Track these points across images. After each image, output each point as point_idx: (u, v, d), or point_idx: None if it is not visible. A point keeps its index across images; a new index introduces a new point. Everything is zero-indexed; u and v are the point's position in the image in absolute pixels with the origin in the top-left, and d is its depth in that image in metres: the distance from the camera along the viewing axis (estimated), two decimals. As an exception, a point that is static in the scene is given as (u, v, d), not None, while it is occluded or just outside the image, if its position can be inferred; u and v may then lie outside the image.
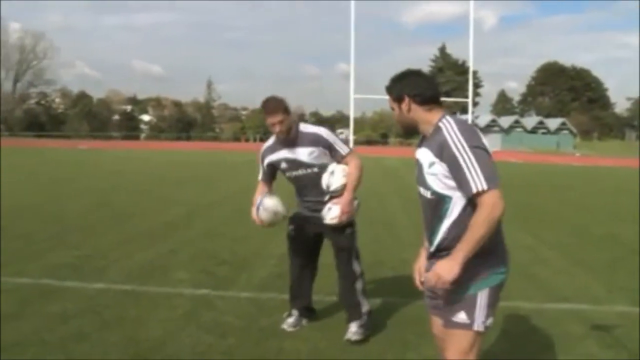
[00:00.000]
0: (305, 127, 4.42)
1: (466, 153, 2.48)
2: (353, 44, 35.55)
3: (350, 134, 37.41)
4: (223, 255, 7.17)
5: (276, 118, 4.24)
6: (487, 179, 2.45)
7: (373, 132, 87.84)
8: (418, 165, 2.70)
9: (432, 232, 2.70)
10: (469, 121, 39.70)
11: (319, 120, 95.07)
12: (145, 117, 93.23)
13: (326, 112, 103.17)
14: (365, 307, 4.46)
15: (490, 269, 2.61)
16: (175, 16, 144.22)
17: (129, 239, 8.11)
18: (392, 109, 2.79)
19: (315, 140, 4.33)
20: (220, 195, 13.86)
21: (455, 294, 2.58)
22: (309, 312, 4.77)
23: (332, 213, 4.23)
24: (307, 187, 4.41)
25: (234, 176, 20.37)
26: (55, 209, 10.88)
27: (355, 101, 35.66)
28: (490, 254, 2.58)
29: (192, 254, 7.22)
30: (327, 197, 4.29)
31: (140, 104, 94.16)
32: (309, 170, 4.35)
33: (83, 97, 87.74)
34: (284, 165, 4.43)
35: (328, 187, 4.27)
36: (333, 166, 4.32)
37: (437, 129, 2.61)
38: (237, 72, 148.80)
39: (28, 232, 8.38)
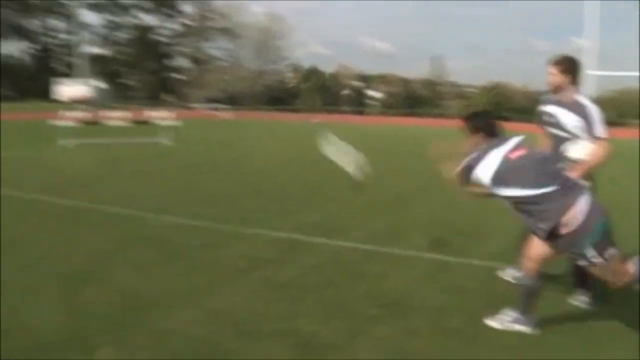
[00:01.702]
0: (582, 99, 4.58)
1: None
2: (598, 17, 33.12)
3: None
4: (459, 225, 7.36)
5: (552, 69, 4.57)
6: None
7: (612, 112, 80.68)
8: None
9: None
10: None
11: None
12: (373, 93, 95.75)
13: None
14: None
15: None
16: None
17: (369, 205, 8.66)
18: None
19: (584, 113, 4.48)
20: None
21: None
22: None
23: None
24: (550, 146, 4.65)
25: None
26: (303, 175, 12.00)
27: (590, 78, 33.23)
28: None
29: (429, 222, 7.53)
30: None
31: (368, 80, 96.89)
32: (561, 134, 4.57)
33: (315, 72, 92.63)
34: (544, 117, 4.76)
35: (567, 153, 4.47)
36: (585, 142, 4.44)
37: None
38: (465, 49, 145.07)
39: (279, 194, 9.39)
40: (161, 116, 19.71)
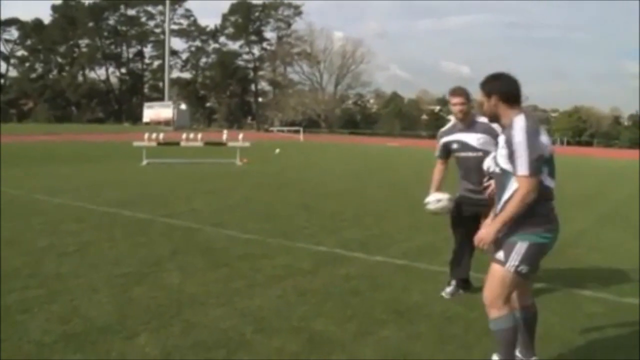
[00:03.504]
0: (481, 118, 5.05)
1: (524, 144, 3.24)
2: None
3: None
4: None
5: (458, 99, 5.16)
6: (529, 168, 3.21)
7: None
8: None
9: (498, 198, 3.50)
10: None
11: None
12: (452, 117, 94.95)
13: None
14: None
15: (533, 229, 3.32)
16: (487, 17, 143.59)
17: (415, 225, 9.05)
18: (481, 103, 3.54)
19: (487, 130, 4.94)
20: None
21: (504, 239, 3.37)
22: (465, 284, 5.49)
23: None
24: (471, 170, 5.07)
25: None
26: (358, 196, 12.49)
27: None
28: (534, 217, 3.31)
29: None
30: (486, 180, 4.62)
31: (448, 105, 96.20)
32: (475, 154, 5.05)
33: (395, 97, 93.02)
34: (455, 146, 5.29)
35: (488, 168, 4.55)
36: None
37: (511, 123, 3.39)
38: (548, 72, 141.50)
39: (332, 213, 9.91)
40: (234, 138, 20.73)
